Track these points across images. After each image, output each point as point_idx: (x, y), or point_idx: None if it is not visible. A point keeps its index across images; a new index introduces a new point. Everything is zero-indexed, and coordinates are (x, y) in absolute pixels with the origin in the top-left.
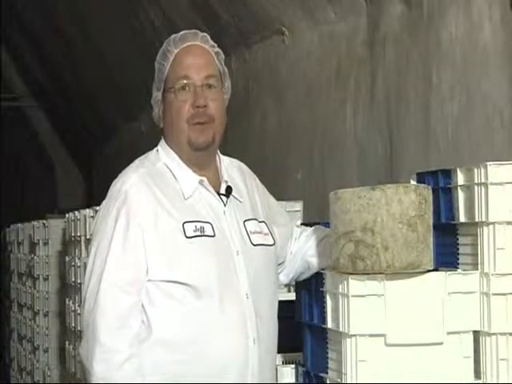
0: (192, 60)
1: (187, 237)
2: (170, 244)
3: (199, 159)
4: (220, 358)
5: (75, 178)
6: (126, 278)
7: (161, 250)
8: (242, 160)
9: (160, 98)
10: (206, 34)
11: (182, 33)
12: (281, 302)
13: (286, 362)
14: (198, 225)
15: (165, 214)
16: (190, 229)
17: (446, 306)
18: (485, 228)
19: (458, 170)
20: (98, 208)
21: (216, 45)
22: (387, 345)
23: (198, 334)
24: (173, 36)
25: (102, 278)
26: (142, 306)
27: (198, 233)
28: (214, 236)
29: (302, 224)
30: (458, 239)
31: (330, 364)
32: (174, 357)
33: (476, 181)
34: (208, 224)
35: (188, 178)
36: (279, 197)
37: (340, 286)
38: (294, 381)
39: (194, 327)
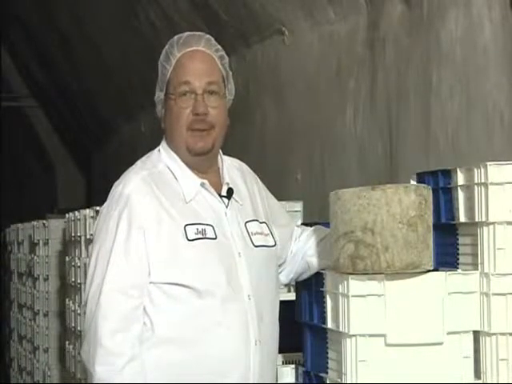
0: (194, 66)
1: (189, 239)
2: (172, 247)
3: (198, 164)
4: (222, 359)
5: (75, 178)
6: (128, 281)
7: (162, 253)
8: (242, 160)
9: (162, 97)
10: (210, 37)
11: (185, 35)
12: (281, 302)
13: (286, 362)
14: (200, 227)
15: (166, 216)
16: (192, 231)
17: (446, 305)
18: (485, 228)
19: (458, 169)
20: (98, 208)
21: (220, 47)
22: (387, 345)
23: (200, 335)
24: (176, 37)
25: (103, 281)
26: (144, 307)
27: (200, 235)
28: (215, 238)
29: (302, 224)
30: (458, 239)
31: (330, 364)
32: (176, 357)
33: (476, 181)
34: (209, 226)
35: (189, 181)
36: (279, 197)
37: (340, 286)
38: (294, 381)
39: (196, 328)
